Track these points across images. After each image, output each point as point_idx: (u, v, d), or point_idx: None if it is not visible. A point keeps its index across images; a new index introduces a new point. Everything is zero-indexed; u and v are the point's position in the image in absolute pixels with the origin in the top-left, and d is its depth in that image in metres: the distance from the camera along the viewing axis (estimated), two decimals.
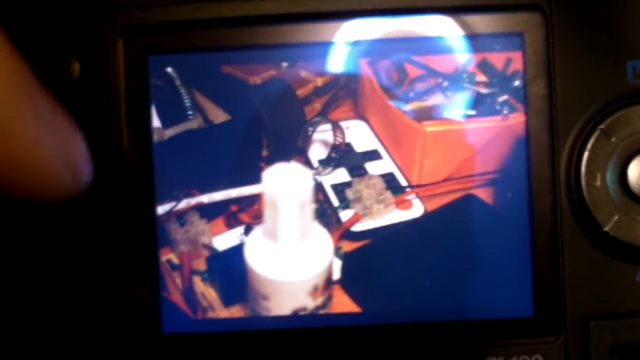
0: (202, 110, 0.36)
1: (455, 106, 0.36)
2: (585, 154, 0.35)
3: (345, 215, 0.36)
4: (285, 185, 0.35)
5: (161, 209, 0.36)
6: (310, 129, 0.36)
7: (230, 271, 0.36)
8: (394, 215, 0.36)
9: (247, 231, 0.36)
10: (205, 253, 0.36)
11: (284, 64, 0.35)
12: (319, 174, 0.36)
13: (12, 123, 0.22)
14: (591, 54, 0.35)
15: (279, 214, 0.35)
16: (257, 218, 0.36)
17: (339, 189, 0.36)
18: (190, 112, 0.36)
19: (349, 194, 0.36)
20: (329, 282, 0.36)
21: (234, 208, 0.36)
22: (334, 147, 0.36)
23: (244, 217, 0.36)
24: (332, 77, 0.36)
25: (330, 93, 0.36)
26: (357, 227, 0.36)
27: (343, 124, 0.36)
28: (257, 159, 0.36)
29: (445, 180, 0.36)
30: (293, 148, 0.36)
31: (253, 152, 0.36)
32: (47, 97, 0.25)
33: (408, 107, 0.36)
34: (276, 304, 0.36)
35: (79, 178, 0.26)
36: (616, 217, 0.35)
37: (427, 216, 0.36)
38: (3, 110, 0.22)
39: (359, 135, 0.36)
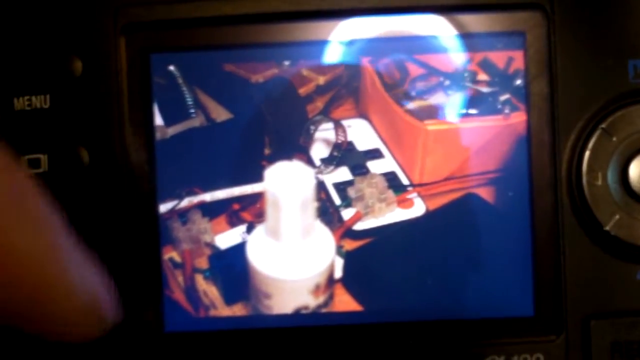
0: (204, 108, 0.36)
1: (456, 105, 0.36)
2: (587, 153, 0.35)
3: (347, 214, 0.36)
4: (287, 183, 0.35)
5: (163, 207, 0.36)
6: (312, 127, 0.36)
7: (232, 269, 0.36)
8: (395, 214, 0.36)
9: (249, 229, 0.36)
10: (208, 251, 0.36)
11: (286, 63, 0.35)
12: (321, 172, 0.36)
13: (43, 260, 0.23)
14: (593, 53, 0.35)
15: (281, 212, 0.35)
16: (259, 216, 0.36)
17: (341, 187, 0.36)
18: (192, 111, 0.36)
19: (351, 192, 0.36)
20: (330, 281, 0.36)
21: (236, 206, 0.36)
22: (336, 146, 0.36)
23: (246, 215, 0.36)
24: (334, 76, 0.36)
25: (332, 91, 0.36)
26: (359, 226, 0.36)
27: (345, 122, 0.36)
28: (259, 157, 0.36)
29: (446, 179, 0.36)
30: (295, 146, 0.36)
31: (255, 150, 0.36)
32: (74, 237, 0.25)
33: (410, 106, 0.36)
34: (278, 303, 0.36)
35: (103, 321, 0.26)
36: (617, 217, 0.35)
37: (428, 215, 0.36)
38: (36, 246, 0.23)
39: (361, 133, 0.36)
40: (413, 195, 0.36)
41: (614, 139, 0.35)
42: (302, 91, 0.36)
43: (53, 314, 0.23)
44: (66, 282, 0.24)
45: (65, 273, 0.24)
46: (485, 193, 0.36)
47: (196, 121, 0.36)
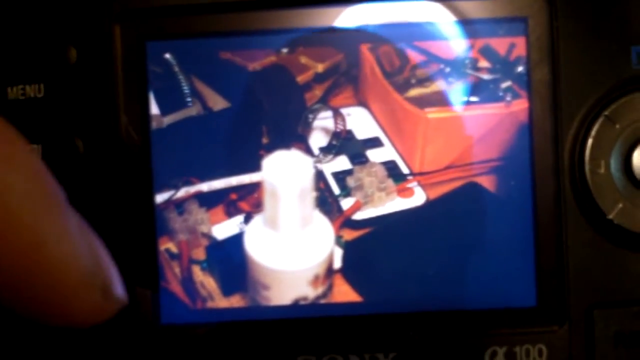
0: (201, 97, 0.35)
1: (457, 93, 0.35)
2: (589, 141, 0.35)
3: (346, 203, 0.36)
4: (285, 173, 0.35)
5: (160, 198, 0.35)
6: (310, 116, 0.35)
7: (230, 260, 0.36)
8: (395, 204, 0.36)
9: (247, 220, 0.36)
10: (205, 242, 0.36)
11: (284, 50, 0.35)
12: (319, 161, 0.36)
13: (42, 233, 0.22)
14: (595, 40, 0.35)
15: (279, 202, 0.35)
16: (257, 206, 0.35)
17: (340, 176, 0.36)
18: (189, 99, 0.35)
19: (350, 182, 0.36)
20: (329, 271, 0.36)
21: (233, 196, 0.35)
22: (335, 135, 0.36)
23: (243, 205, 0.36)
24: (333, 63, 0.35)
25: (331, 79, 0.35)
26: (358, 216, 0.36)
27: (344, 110, 0.36)
28: (257, 146, 0.35)
29: (447, 167, 0.35)
30: (293, 135, 0.35)
31: (253, 139, 0.35)
32: (74, 211, 0.24)
33: (409, 94, 0.35)
34: (276, 294, 0.35)
35: (107, 296, 0.26)
36: (620, 205, 0.35)
37: (429, 204, 0.35)
38: (34, 218, 0.22)
39: (360, 122, 0.36)
40: (413, 184, 0.36)
41: (617, 126, 0.35)
42: (301, 79, 0.35)
43: (53, 284, 0.23)
44: (65, 248, 0.23)
45: (64, 238, 0.23)
46: (487, 182, 0.35)
47: (193, 110, 0.35)
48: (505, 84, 0.35)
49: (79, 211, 0.34)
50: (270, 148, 0.35)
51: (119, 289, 0.26)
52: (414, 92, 0.35)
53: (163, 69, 0.35)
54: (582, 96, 0.35)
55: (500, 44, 0.35)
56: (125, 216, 0.35)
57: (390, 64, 0.35)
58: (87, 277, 0.24)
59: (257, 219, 0.36)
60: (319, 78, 0.35)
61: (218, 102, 0.35)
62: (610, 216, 0.35)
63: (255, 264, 0.35)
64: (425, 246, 0.35)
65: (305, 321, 0.35)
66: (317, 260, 0.36)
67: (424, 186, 0.36)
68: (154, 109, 0.35)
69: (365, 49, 0.35)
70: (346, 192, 0.36)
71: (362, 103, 0.36)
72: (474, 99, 0.35)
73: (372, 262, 0.36)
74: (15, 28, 0.35)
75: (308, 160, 0.35)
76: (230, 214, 0.36)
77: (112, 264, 0.26)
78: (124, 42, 0.35)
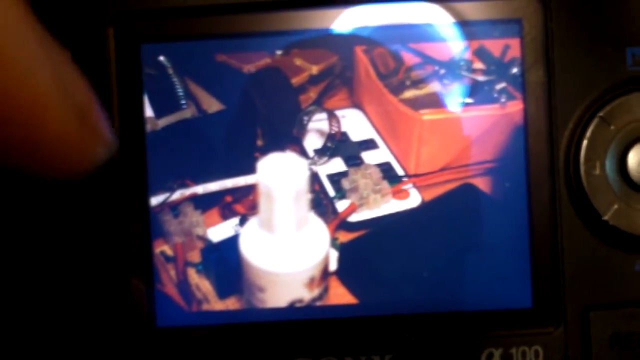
0: (195, 99, 0.35)
1: (452, 94, 0.35)
2: (585, 142, 0.35)
3: (341, 205, 0.36)
4: (280, 175, 0.35)
5: (155, 200, 0.35)
6: (305, 118, 0.35)
7: (225, 263, 0.35)
8: (390, 206, 0.36)
9: (242, 222, 0.35)
10: (200, 244, 0.36)
11: (279, 52, 0.35)
12: (314, 163, 0.36)
13: (11, 48, 0.21)
14: (590, 41, 0.35)
15: (275, 204, 0.35)
16: (252, 209, 0.35)
17: (335, 179, 0.36)
18: (183, 102, 0.35)
19: (345, 184, 0.36)
20: (325, 274, 0.36)
21: (228, 199, 0.35)
22: (330, 137, 0.36)
23: (238, 207, 0.35)
24: (327, 65, 0.35)
25: (326, 81, 0.35)
26: (353, 218, 0.36)
27: (339, 112, 0.36)
28: (251, 148, 0.35)
29: (442, 169, 0.35)
30: (288, 137, 0.35)
31: (248, 141, 0.35)
32: (52, 41, 0.23)
33: (404, 96, 0.35)
34: (272, 296, 0.35)
35: (96, 137, 0.24)
36: (616, 206, 0.35)
37: (424, 206, 0.35)
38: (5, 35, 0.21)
39: (355, 124, 0.36)
40: (408, 186, 0.36)
41: (612, 127, 0.35)
42: (295, 81, 0.35)
43: (41, 119, 0.21)
44: (53, 85, 0.21)
45: (51, 76, 0.22)
46: (482, 183, 0.35)
47: (187, 112, 0.35)
48: (500, 86, 0.35)
49: (74, 213, 0.35)
50: (265, 150, 0.35)
51: (99, 120, 0.24)
52: (409, 93, 0.35)
53: (157, 72, 0.35)
54: (577, 97, 0.35)
55: (494, 46, 0.35)
56: (121, 219, 0.35)
57: (385, 66, 0.35)
58: (74, 112, 0.22)
59: (252, 222, 0.35)
60: (313, 80, 0.35)
61: (213, 105, 0.35)
62: (606, 217, 0.34)
63: (250, 267, 0.35)
64: (421, 248, 0.35)
65: (301, 323, 0.35)
66: (313, 262, 0.35)
67: (419, 188, 0.35)
68: (149, 112, 0.35)
69: (359, 51, 0.35)
70: (341, 194, 0.36)
71: (357, 105, 0.36)
72: (468, 100, 0.35)
73: (367, 264, 0.35)
74: None
75: (303, 163, 0.35)
76: (225, 216, 0.36)
77: (93, 95, 0.24)
78: (119, 45, 0.35)
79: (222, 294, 0.36)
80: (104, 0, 0.35)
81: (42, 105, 0.21)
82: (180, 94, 0.35)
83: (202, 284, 0.36)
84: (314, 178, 0.35)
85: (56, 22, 0.35)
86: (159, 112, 0.35)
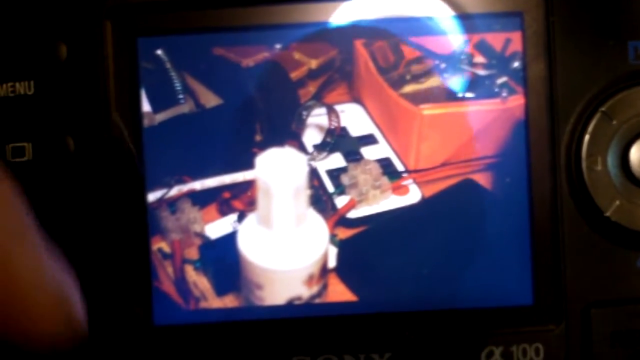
0: (193, 94, 0.35)
1: (452, 88, 0.35)
2: (586, 137, 0.34)
3: (340, 201, 0.35)
4: (279, 171, 0.35)
5: (152, 196, 0.35)
6: (304, 113, 0.35)
7: (223, 260, 0.35)
8: (390, 201, 0.35)
9: (241, 218, 0.35)
10: (198, 241, 0.35)
11: (277, 46, 0.35)
12: (313, 159, 0.35)
13: (10, 253, 0.22)
14: (592, 35, 0.35)
15: (273, 200, 0.35)
16: (251, 205, 0.35)
17: (334, 174, 0.35)
18: (181, 96, 0.35)
19: (345, 179, 0.35)
20: (324, 271, 0.35)
21: (226, 195, 0.35)
22: (329, 132, 0.35)
23: (237, 204, 0.35)
24: (326, 59, 0.35)
25: (325, 76, 0.35)
26: (353, 214, 0.35)
27: (338, 107, 0.35)
28: (250, 144, 0.35)
29: (442, 165, 0.35)
30: (287, 133, 0.35)
31: (246, 137, 0.35)
32: (43, 237, 0.25)
33: (404, 90, 0.35)
34: (270, 293, 0.35)
35: (71, 322, 0.26)
36: (617, 202, 0.34)
37: (424, 202, 0.35)
38: (5, 249, 0.22)
39: (355, 119, 0.35)
40: (408, 182, 0.35)
41: (614, 122, 0.34)
42: (294, 75, 0.35)
43: (20, 306, 0.23)
44: (33, 274, 0.23)
45: (33, 265, 0.23)
46: (483, 179, 0.35)
47: (185, 107, 0.35)
48: (501, 80, 0.35)
49: (71, 211, 0.34)
50: (264, 145, 0.35)
51: (82, 322, 0.26)
52: (409, 88, 0.35)
53: (155, 66, 0.35)
54: (578, 92, 0.35)
55: (496, 39, 0.35)
56: (117, 215, 0.35)
57: (385, 60, 0.35)
58: (54, 307, 0.24)
59: (250, 218, 0.35)
60: (312, 74, 0.35)
61: (211, 99, 0.35)
62: (607, 214, 0.34)
63: (248, 263, 0.35)
64: (421, 244, 0.35)
65: (299, 321, 0.35)
66: (312, 259, 0.35)
67: (419, 184, 0.35)
68: (146, 107, 0.35)
69: (359, 45, 0.35)
70: (340, 190, 0.35)
71: (357, 99, 0.35)
72: (469, 95, 0.35)
73: (367, 261, 0.35)
74: (5, 24, 0.35)
75: (302, 158, 0.35)
76: (223, 212, 0.35)
77: (79, 296, 0.26)
78: (115, 39, 0.34)
79: (220, 291, 0.35)
80: None
81: (19, 283, 0.24)
82: (178, 88, 0.35)
83: (199, 281, 0.35)
84: (313, 174, 0.35)
85: (53, 15, 0.35)
86: (157, 107, 0.35)
